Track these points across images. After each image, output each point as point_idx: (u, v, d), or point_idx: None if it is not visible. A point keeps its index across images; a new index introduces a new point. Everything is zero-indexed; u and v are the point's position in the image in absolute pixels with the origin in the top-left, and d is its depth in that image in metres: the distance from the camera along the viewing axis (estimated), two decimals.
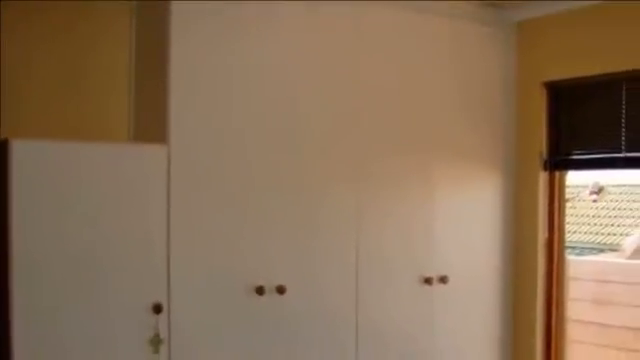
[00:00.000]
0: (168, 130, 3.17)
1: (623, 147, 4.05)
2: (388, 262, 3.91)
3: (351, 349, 3.76)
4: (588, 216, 14.01)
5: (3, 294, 2.82)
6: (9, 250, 2.79)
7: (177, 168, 3.18)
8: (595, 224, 13.86)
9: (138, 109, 3.58)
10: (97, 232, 3.00)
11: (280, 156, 3.51)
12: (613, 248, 12.97)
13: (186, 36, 3.21)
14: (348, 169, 3.75)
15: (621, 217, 13.79)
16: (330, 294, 3.71)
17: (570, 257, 10.08)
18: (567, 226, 4.75)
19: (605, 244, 13.22)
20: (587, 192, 13.93)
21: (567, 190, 4.64)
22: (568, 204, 5.13)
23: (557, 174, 4.46)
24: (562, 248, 4.56)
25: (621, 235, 13.28)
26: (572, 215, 13.05)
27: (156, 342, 3.11)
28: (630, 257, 12.17)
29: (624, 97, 4.02)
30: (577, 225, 13.67)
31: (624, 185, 14.34)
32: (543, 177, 4.42)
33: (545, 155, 4.40)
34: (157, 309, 3.11)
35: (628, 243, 12.83)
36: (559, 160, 4.39)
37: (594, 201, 14.08)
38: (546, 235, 4.45)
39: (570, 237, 11.82)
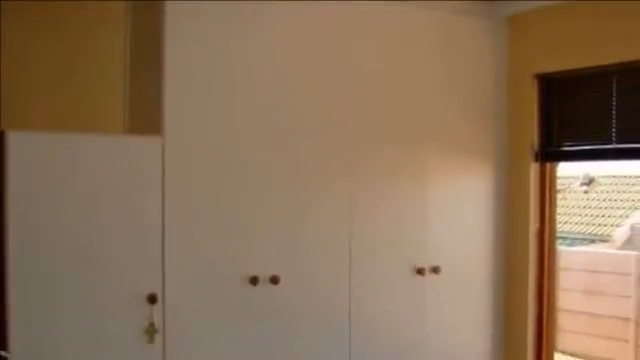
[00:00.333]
0: (163, 122, 3.17)
1: (613, 139, 4.07)
2: (381, 253, 3.93)
3: (344, 338, 3.78)
4: (579, 207, 14.06)
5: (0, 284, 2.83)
6: (5, 240, 2.79)
7: (172, 160, 3.19)
8: (586, 215, 13.91)
9: (133, 101, 3.58)
10: (92, 223, 3.01)
11: (274, 147, 3.52)
12: (604, 239, 13.02)
13: (181, 29, 3.21)
14: (341, 161, 3.76)
15: (611, 208, 13.84)
16: (323, 284, 3.73)
17: (561, 248, 10.17)
18: (558, 217, 4.77)
19: (596, 235, 13.27)
20: (578, 183, 13.98)
21: (558, 181, 4.67)
22: (559, 195, 5.16)
23: (548, 165, 4.48)
24: (553, 239, 4.57)
25: (611, 226, 13.33)
26: (563, 206, 13.11)
27: (151, 332, 3.13)
28: (620, 248, 12.24)
29: (615, 89, 4.04)
30: (568, 216, 13.72)
31: (614, 176, 14.39)
32: (534, 168, 4.44)
33: (536, 147, 4.42)
34: (152, 299, 3.12)
35: (618, 234, 12.91)
36: (550, 152, 4.42)
37: (585, 192, 14.13)
38: (537, 226, 4.47)
39: (561, 228, 11.89)
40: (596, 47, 4.02)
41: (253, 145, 3.45)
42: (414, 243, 4.07)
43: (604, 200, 14.10)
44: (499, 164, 4.46)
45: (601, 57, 4.00)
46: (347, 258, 3.78)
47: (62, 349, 2.96)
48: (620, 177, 14.35)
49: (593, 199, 14.18)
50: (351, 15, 3.77)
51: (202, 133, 3.30)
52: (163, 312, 3.17)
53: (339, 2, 3.72)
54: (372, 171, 3.88)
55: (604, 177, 14.31)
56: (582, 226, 13.61)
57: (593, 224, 13.56)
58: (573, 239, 12.97)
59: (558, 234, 4.85)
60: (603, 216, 13.66)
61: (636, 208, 13.53)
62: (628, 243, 12.63)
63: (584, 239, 13.10)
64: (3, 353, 2.77)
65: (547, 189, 4.48)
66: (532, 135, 4.41)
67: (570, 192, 13.82)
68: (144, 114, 3.45)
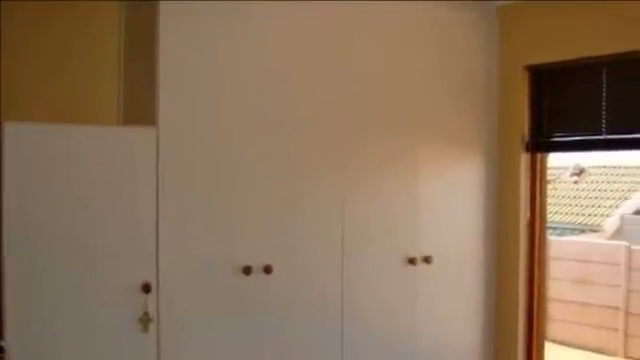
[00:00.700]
0: (157, 113, 3.17)
1: (603, 129, 4.10)
2: (373, 242, 3.95)
3: (336, 327, 3.80)
4: (569, 197, 14.12)
5: None
6: (1, 231, 2.80)
7: (166, 150, 3.19)
8: (576, 205, 13.97)
9: (127, 93, 3.58)
10: (87, 213, 3.01)
11: (267, 138, 3.52)
12: (594, 229, 13.08)
13: (175, 20, 3.21)
14: (334, 152, 3.78)
15: (601, 198, 13.91)
16: (316, 274, 3.74)
17: (551, 237, 10.22)
18: (548, 207, 4.80)
19: (586, 225, 13.33)
20: (568, 174, 14.04)
21: (548, 172, 4.69)
22: (549, 185, 5.19)
23: (539, 156, 4.51)
24: (543, 228, 4.61)
25: (601, 216, 13.39)
26: (553, 196, 13.17)
27: (145, 321, 3.13)
28: (610, 238, 12.31)
29: (604, 80, 4.07)
30: (558, 206, 13.79)
31: (604, 167, 14.46)
32: (525, 159, 4.48)
33: (527, 137, 4.45)
34: (146, 288, 3.12)
35: (608, 224, 12.97)
36: (541, 142, 4.45)
37: (575, 182, 14.19)
38: (528, 216, 4.51)
39: (551, 218, 11.93)
40: (586, 39, 4.05)
41: (246, 136, 3.46)
42: (406, 233, 4.10)
43: (594, 190, 14.17)
44: (490, 155, 4.49)
45: (591, 49, 4.03)
46: (339, 248, 3.80)
47: (57, 339, 2.96)
48: (610, 168, 14.42)
49: (583, 189, 14.24)
50: (343, 10, 3.77)
51: (196, 124, 3.30)
52: (157, 301, 3.17)
53: None
54: (364, 162, 3.90)
55: (594, 168, 14.38)
56: (572, 216, 13.68)
57: (583, 214, 13.62)
58: (563, 229, 13.03)
59: (548, 224, 4.88)
60: (593, 206, 13.72)
61: (626, 198, 13.60)
62: (618, 233, 12.70)
63: (574, 229, 13.16)
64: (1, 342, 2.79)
65: (537, 179, 4.52)
66: (523, 126, 4.44)
67: (560, 182, 13.89)
68: (138, 106, 3.45)
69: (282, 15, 3.57)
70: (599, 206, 13.66)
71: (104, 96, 3.61)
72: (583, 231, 13.05)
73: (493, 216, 4.52)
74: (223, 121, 3.39)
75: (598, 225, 13.16)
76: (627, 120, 4.03)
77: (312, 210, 3.72)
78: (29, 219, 2.87)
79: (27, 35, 3.41)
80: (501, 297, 4.55)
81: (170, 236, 3.22)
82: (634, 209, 13.37)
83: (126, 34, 3.61)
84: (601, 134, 4.12)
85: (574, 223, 13.43)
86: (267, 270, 3.50)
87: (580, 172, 14.07)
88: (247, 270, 3.44)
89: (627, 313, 8.96)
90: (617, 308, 9.05)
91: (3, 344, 2.79)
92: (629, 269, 9.03)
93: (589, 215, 13.54)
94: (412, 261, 4.07)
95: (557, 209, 13.62)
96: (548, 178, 4.71)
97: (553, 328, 8.97)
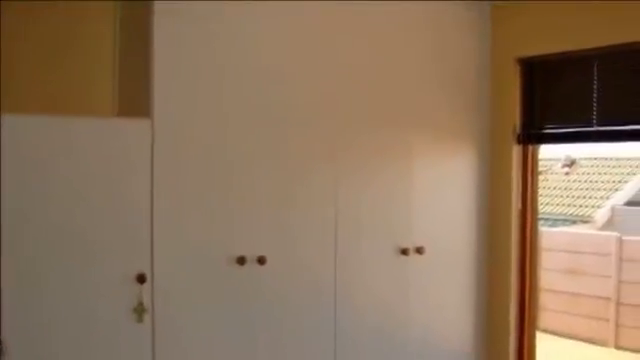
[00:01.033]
0: (152, 105, 3.18)
1: (594, 121, 4.12)
2: (366, 233, 3.96)
3: (330, 317, 3.82)
4: (560, 188, 14.17)
5: None
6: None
7: (161, 142, 3.20)
8: (567, 196, 14.02)
9: (123, 84, 3.60)
10: (82, 204, 3.02)
11: (261, 130, 3.53)
12: (585, 220, 13.13)
13: (170, 12, 3.22)
14: (328, 143, 3.79)
15: (592, 189, 13.96)
16: (309, 265, 3.76)
17: (543, 228, 10.27)
18: (540, 198, 4.83)
19: (577, 216, 13.38)
20: (559, 165, 14.08)
21: (540, 163, 4.71)
22: (541, 177, 5.21)
23: (530, 147, 4.52)
24: (535, 219, 4.63)
25: (592, 207, 13.44)
26: (545, 187, 13.21)
27: (140, 311, 3.14)
28: (601, 229, 12.37)
29: (595, 73, 4.10)
30: (550, 197, 13.83)
31: (595, 158, 14.50)
32: (516, 150, 4.50)
33: (518, 129, 4.47)
34: (141, 279, 3.13)
35: (599, 215, 13.02)
36: (532, 134, 4.46)
37: (566, 174, 14.24)
38: (519, 207, 4.53)
39: (543, 209, 11.98)
40: (577, 32, 4.06)
41: (241, 128, 3.47)
42: (398, 224, 4.12)
43: (585, 182, 14.23)
44: (482, 146, 4.51)
45: (582, 41, 4.05)
46: (333, 239, 3.82)
47: (53, 329, 2.97)
48: (601, 159, 14.48)
49: (574, 181, 14.30)
50: (336, 5, 3.77)
51: (191, 116, 3.31)
52: (152, 292, 3.19)
53: None
54: (357, 154, 3.92)
55: (585, 159, 14.43)
56: (564, 207, 13.73)
57: (574, 205, 13.68)
58: (555, 220, 13.09)
59: (540, 215, 4.90)
60: (584, 197, 13.78)
61: (616, 190, 13.67)
62: (609, 224, 12.77)
63: (565, 220, 13.22)
64: None
65: (529, 171, 4.53)
66: (514, 118, 4.46)
67: (552, 174, 13.93)
68: (134, 97, 3.46)
69: (277, 11, 3.57)
70: (590, 197, 13.72)
71: (100, 88, 3.61)
72: (574, 222, 13.11)
73: (485, 207, 4.55)
74: (218, 113, 3.40)
75: (589, 216, 13.22)
76: (618, 112, 4.05)
77: (306, 202, 3.73)
78: (24, 210, 2.88)
79: (22, 26, 3.40)
80: (493, 287, 4.57)
81: (165, 227, 3.23)
82: (625, 200, 13.44)
83: (122, 26, 3.61)
84: (592, 126, 4.14)
85: (565, 214, 13.49)
86: (261, 261, 3.51)
87: (571, 163, 14.12)
88: (241, 261, 3.45)
89: (618, 303, 9.02)
90: (608, 299, 9.11)
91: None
92: (620, 260, 9.09)
93: (580, 206, 13.60)
94: (405, 252, 4.09)
95: (548, 200, 13.67)
96: (539, 169, 4.73)
97: (544, 318, 9.04)
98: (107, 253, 3.09)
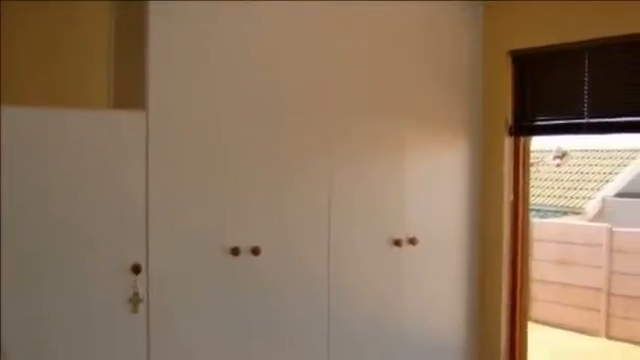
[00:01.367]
0: (147, 97, 3.20)
1: (585, 113, 4.14)
2: (359, 224, 3.99)
3: (323, 308, 3.85)
4: (552, 180, 14.19)
5: None
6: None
7: (155, 133, 3.21)
8: (558, 188, 14.05)
9: (118, 76, 3.60)
10: (78, 195, 3.04)
11: (255, 121, 3.55)
12: (576, 211, 13.17)
13: (165, 5, 3.23)
14: (321, 135, 3.81)
15: (583, 181, 14.00)
16: (303, 255, 3.78)
17: (534, 219, 10.31)
18: (531, 189, 4.85)
19: (568, 207, 13.41)
20: (551, 157, 14.09)
21: (531, 155, 4.72)
22: (532, 168, 5.23)
23: (522, 139, 4.54)
24: (526, 211, 4.65)
25: (583, 198, 13.48)
26: (536, 179, 13.24)
27: (135, 301, 3.16)
28: (592, 220, 12.42)
29: (586, 65, 4.11)
30: (541, 189, 13.86)
31: (586, 150, 14.53)
32: (508, 142, 4.51)
33: (510, 121, 4.48)
34: (136, 269, 3.15)
35: (590, 206, 13.06)
36: (524, 126, 4.48)
37: (558, 165, 14.25)
38: (511, 198, 4.54)
39: (534, 200, 12.02)
40: (568, 24, 4.08)
41: (235, 119, 3.48)
42: (391, 215, 4.14)
43: (576, 173, 14.26)
44: (474, 138, 4.53)
45: (573, 34, 4.06)
46: (326, 229, 3.84)
47: (48, 319, 2.99)
48: (592, 151, 14.52)
49: (565, 172, 14.33)
50: None
51: (185, 108, 3.32)
52: (147, 282, 3.20)
53: None
54: (350, 145, 3.93)
55: (576, 151, 14.46)
56: (555, 199, 13.77)
57: (565, 197, 13.72)
58: (546, 211, 13.12)
59: (531, 206, 4.92)
60: (575, 189, 13.82)
61: (607, 181, 13.71)
62: (599, 215, 12.81)
63: (557, 211, 13.26)
64: None
65: (521, 162, 4.55)
66: (506, 110, 4.48)
67: (543, 165, 13.95)
68: (129, 89, 3.47)
69: (271, 3, 3.58)
70: (581, 189, 13.76)
71: (95, 80, 3.61)
72: (565, 213, 13.14)
73: (477, 198, 4.57)
74: (212, 105, 3.41)
75: (580, 207, 13.26)
76: (608, 104, 4.07)
77: (299, 192, 3.75)
78: (20, 201, 2.89)
79: (17, 19, 3.39)
80: (485, 278, 4.59)
81: (160, 218, 3.25)
82: (615, 192, 13.48)
83: (117, 19, 3.61)
84: (583, 118, 4.15)
85: (556, 205, 13.53)
86: (255, 251, 3.52)
87: (562, 155, 14.13)
88: (235, 251, 3.47)
89: (609, 294, 9.07)
90: (599, 289, 9.16)
91: None
92: (610, 250, 9.15)
93: (571, 197, 13.64)
94: (398, 242, 4.11)
95: (540, 191, 13.71)
96: (531, 161, 4.75)
97: (536, 308, 9.09)
98: (102, 244, 3.10)
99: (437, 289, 4.41)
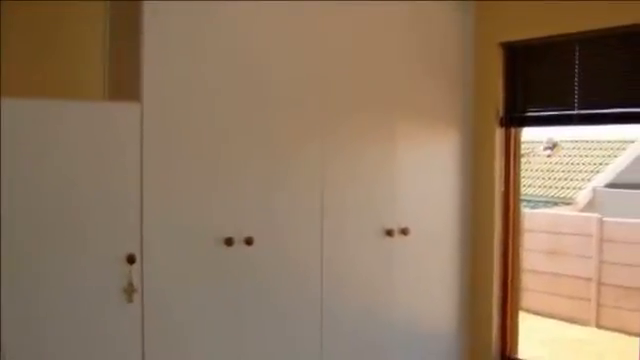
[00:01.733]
0: (141, 88, 3.21)
1: (576, 105, 4.17)
2: (351, 215, 4.01)
3: (316, 297, 3.87)
4: (542, 171, 14.23)
5: None
6: None
7: (150, 125, 3.22)
8: (549, 178, 14.09)
9: (113, 68, 3.61)
10: (74, 186, 3.05)
11: (249, 113, 3.56)
12: (566, 201, 13.22)
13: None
14: (314, 126, 3.83)
15: (574, 172, 14.05)
16: (296, 246, 3.80)
17: (525, 210, 10.35)
18: (522, 180, 4.87)
19: (559, 197, 13.46)
20: (542, 147, 14.14)
21: (522, 146, 4.75)
22: (523, 159, 5.24)
23: (513, 130, 4.56)
24: (517, 201, 4.68)
25: (574, 189, 13.52)
26: (527, 170, 13.29)
27: (130, 291, 3.17)
28: (582, 210, 12.47)
29: (577, 57, 4.14)
30: (532, 179, 13.90)
31: (577, 141, 14.58)
32: (499, 133, 4.53)
33: (501, 112, 4.50)
34: (131, 260, 3.16)
35: (581, 197, 13.11)
36: (515, 117, 4.50)
37: (548, 156, 14.30)
38: (502, 189, 4.57)
39: (525, 191, 12.06)
40: (559, 16, 4.09)
41: (229, 111, 3.49)
42: (384, 205, 4.16)
43: (567, 164, 14.31)
44: (465, 129, 4.55)
45: (564, 26, 4.08)
46: (319, 220, 3.86)
47: (43, 310, 2.99)
48: (582, 142, 14.56)
49: (556, 163, 14.38)
50: None
51: (180, 100, 3.34)
52: (142, 272, 3.22)
53: None
54: (343, 136, 3.95)
55: (567, 142, 14.51)
56: (546, 189, 13.82)
57: (556, 187, 13.77)
58: (537, 202, 13.16)
59: (522, 197, 4.94)
60: (566, 179, 13.87)
61: (598, 172, 13.76)
62: (590, 206, 12.86)
63: (547, 202, 13.30)
64: None
65: (512, 153, 4.58)
66: (497, 101, 4.50)
67: (534, 156, 13.99)
68: (124, 81, 3.48)
69: (263, 3, 3.59)
70: (572, 179, 13.81)
71: (90, 72, 3.61)
72: (556, 204, 13.19)
73: (468, 189, 4.59)
74: (206, 97, 3.42)
75: (570, 198, 13.31)
76: (599, 96, 4.10)
77: (293, 184, 3.77)
78: (16, 193, 2.89)
79: (13, 11, 3.39)
80: (476, 268, 4.62)
81: (154, 208, 3.26)
82: (606, 182, 13.53)
83: (112, 11, 3.61)
84: (574, 109, 4.18)
85: (547, 196, 13.58)
86: (248, 242, 3.54)
87: (553, 146, 14.18)
88: (229, 242, 3.48)
89: (599, 283, 9.12)
90: (589, 279, 9.21)
91: None
92: (600, 240, 9.18)
93: (562, 188, 13.69)
94: (390, 233, 4.14)
95: (531, 182, 13.75)
96: (522, 152, 4.77)
97: (526, 298, 9.12)
98: (97, 234, 3.11)
99: (429, 279, 4.44)
